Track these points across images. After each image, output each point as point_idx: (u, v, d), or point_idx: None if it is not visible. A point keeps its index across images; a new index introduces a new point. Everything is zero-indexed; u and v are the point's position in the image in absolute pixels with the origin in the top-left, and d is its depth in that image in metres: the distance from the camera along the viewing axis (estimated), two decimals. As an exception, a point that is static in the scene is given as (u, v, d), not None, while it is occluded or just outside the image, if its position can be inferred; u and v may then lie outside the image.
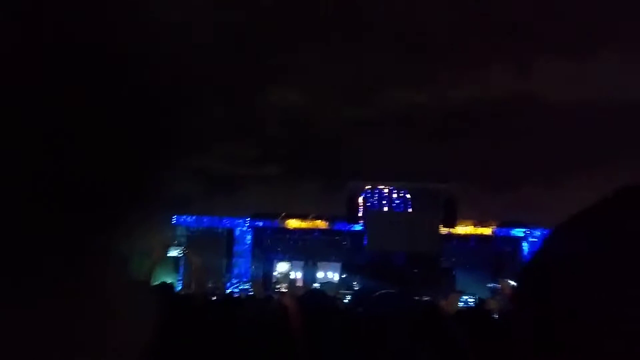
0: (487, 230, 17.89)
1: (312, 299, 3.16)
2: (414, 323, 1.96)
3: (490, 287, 14.49)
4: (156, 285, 3.10)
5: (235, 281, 16.32)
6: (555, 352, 0.46)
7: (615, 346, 0.42)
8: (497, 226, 17.77)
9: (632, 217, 0.45)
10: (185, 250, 15.31)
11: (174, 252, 15.17)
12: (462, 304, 13.33)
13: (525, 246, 17.23)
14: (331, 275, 17.37)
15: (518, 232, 17.45)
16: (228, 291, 13.64)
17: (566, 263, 0.49)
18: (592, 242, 0.47)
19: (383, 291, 2.58)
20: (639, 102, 16.03)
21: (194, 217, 17.83)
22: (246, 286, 14.95)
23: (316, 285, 14.83)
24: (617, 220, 0.46)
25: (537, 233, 16.53)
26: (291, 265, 17.61)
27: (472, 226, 17.85)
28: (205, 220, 18.20)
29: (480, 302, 4.20)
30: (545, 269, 0.52)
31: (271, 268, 17.71)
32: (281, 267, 17.53)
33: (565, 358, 0.45)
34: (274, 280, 15.16)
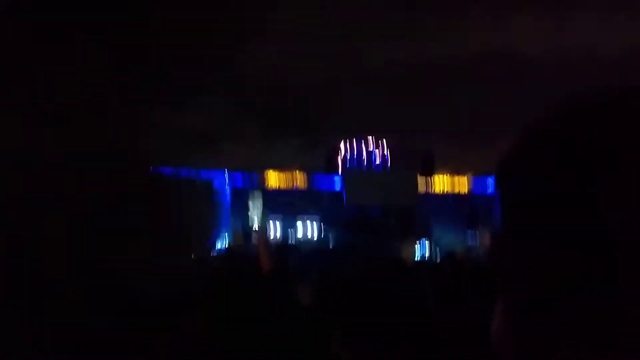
0: (464, 188, 18.16)
1: (282, 252, 3.23)
2: (375, 275, 2.03)
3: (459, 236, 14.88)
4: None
5: (215, 235, 16.39)
6: None
7: None
8: (474, 175, 18.08)
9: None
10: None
11: None
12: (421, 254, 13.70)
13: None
14: (310, 231, 17.56)
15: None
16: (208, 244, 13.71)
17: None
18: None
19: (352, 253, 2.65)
20: (616, 58, 16.13)
21: (171, 170, 17.68)
22: (226, 238, 15.08)
23: (292, 242, 15.04)
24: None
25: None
26: (266, 217, 17.73)
27: (449, 175, 18.14)
28: (182, 173, 18.06)
29: (446, 254, 4.29)
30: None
31: (250, 223, 17.88)
32: (254, 216, 17.63)
33: None
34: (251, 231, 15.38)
